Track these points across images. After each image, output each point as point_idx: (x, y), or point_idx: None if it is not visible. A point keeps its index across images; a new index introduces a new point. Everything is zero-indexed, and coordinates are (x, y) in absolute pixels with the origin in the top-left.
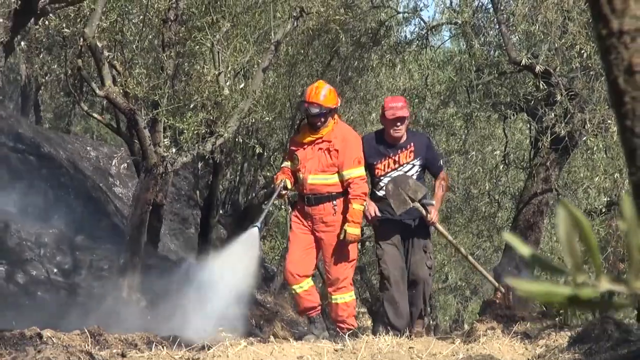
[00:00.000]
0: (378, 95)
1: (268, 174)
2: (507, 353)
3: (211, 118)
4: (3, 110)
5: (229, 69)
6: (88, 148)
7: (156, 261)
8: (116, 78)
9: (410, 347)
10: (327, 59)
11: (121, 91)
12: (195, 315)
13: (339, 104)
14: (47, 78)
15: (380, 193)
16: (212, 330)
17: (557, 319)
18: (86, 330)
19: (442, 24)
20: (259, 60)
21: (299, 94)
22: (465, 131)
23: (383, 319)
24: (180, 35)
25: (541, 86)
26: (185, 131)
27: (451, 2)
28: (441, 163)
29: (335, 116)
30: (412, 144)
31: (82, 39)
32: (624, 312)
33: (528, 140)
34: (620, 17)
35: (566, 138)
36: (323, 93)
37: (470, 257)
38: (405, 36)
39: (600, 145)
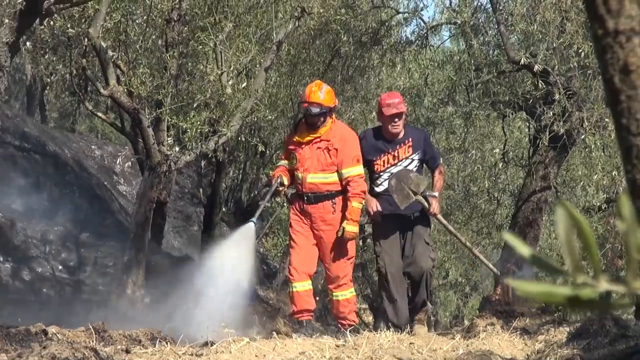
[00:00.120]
0: (378, 95)
1: (270, 172)
2: (507, 348)
3: (214, 117)
4: (9, 110)
5: (232, 68)
6: (93, 147)
7: (160, 258)
8: (120, 78)
9: (411, 343)
10: (328, 58)
11: (125, 90)
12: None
13: (337, 104)
14: (52, 78)
15: (379, 189)
16: (213, 326)
17: (555, 314)
18: (91, 327)
19: (441, 24)
20: (261, 60)
21: (301, 93)
22: (465, 129)
23: (384, 315)
24: (184, 35)
25: (540, 85)
26: (188, 130)
27: (451, 3)
28: (439, 159)
29: (333, 115)
30: (410, 139)
31: (86, 39)
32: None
33: (527, 139)
34: (615, 17)
35: (564, 136)
36: (322, 92)
37: (471, 246)
38: (406, 36)
39: (598, 143)
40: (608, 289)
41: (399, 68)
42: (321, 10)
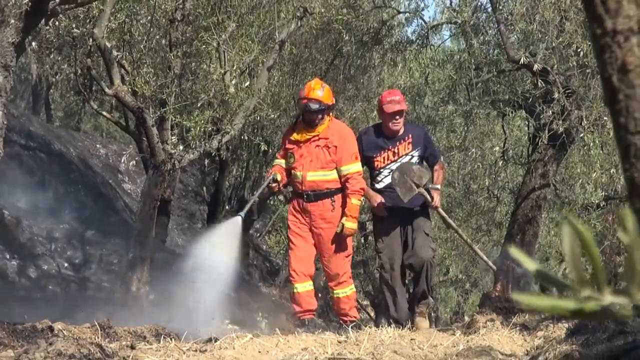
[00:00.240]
0: (380, 93)
1: (269, 170)
2: (506, 344)
3: (217, 116)
4: (15, 109)
5: (235, 68)
6: (97, 145)
7: (164, 256)
8: (125, 77)
9: (412, 339)
10: (330, 57)
11: (130, 90)
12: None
13: (335, 103)
14: (57, 77)
15: (380, 185)
16: (197, 315)
17: None
18: (96, 323)
19: (442, 24)
20: (264, 60)
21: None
22: (465, 128)
23: (385, 312)
24: (187, 35)
25: (539, 84)
26: (192, 129)
27: (451, 2)
28: (439, 156)
29: (331, 114)
30: (410, 136)
31: (91, 39)
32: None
33: (526, 137)
34: (613, 17)
35: (563, 134)
36: (321, 90)
37: (471, 242)
38: (407, 35)
39: (597, 142)
40: (612, 302)
41: (400, 67)
42: (323, 10)
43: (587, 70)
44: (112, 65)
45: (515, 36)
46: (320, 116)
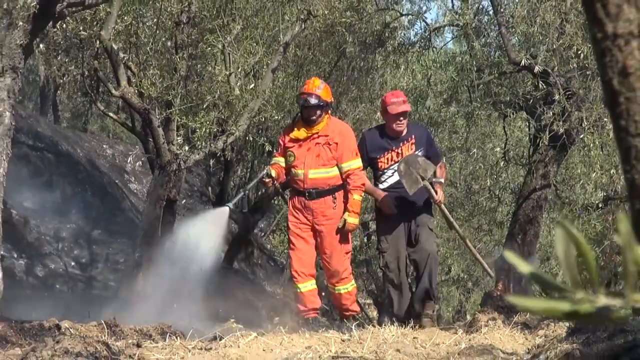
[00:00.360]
0: (382, 95)
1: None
2: (508, 343)
3: (222, 117)
4: (23, 110)
5: (240, 69)
6: (104, 146)
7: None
8: (131, 79)
9: (414, 337)
10: (334, 59)
11: (136, 91)
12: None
13: (333, 101)
14: (64, 79)
15: (384, 186)
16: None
17: None
18: (103, 322)
19: (444, 26)
20: (268, 61)
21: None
22: (467, 129)
23: (388, 310)
24: (193, 37)
25: (540, 86)
26: (197, 130)
27: (453, 5)
28: (441, 156)
29: (329, 112)
30: (413, 136)
31: (98, 42)
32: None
33: (527, 138)
34: (614, 21)
35: (564, 135)
36: (320, 86)
37: (468, 241)
38: (409, 38)
39: (597, 142)
40: (606, 304)
41: (402, 69)
42: (326, 13)
43: (587, 72)
44: (118, 67)
45: (517, 38)
46: (318, 112)
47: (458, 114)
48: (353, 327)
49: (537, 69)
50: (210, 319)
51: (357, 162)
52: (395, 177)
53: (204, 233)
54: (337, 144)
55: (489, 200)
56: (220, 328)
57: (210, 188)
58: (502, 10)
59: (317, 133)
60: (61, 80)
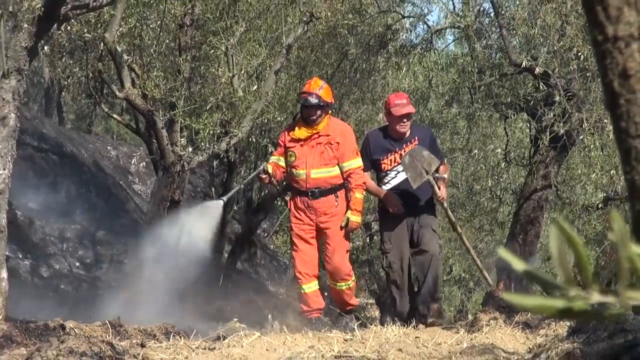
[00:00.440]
0: (384, 96)
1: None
2: (509, 342)
3: (226, 118)
4: (27, 112)
5: (243, 71)
6: (108, 147)
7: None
8: (135, 81)
9: (416, 337)
10: (336, 61)
11: (140, 93)
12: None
13: (333, 102)
14: (69, 81)
15: (386, 187)
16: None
17: None
18: (107, 322)
19: (445, 28)
20: (271, 63)
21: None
22: (468, 130)
23: (390, 310)
24: (196, 39)
25: (540, 87)
26: (201, 131)
27: (454, 7)
28: (443, 158)
29: (329, 112)
30: (416, 138)
31: (102, 44)
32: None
33: (528, 139)
34: (614, 24)
35: (564, 136)
36: (321, 86)
37: (466, 241)
38: (411, 40)
39: (597, 143)
40: (600, 301)
41: (404, 71)
42: (329, 15)
43: (588, 74)
44: (122, 68)
45: (517, 40)
46: (318, 112)
47: (459, 115)
48: (355, 327)
49: (537, 70)
50: (214, 318)
51: (358, 162)
52: (399, 179)
53: (197, 224)
54: (338, 143)
55: (490, 201)
56: (224, 328)
57: (213, 189)
58: (503, 12)
59: (318, 133)
60: (66, 82)
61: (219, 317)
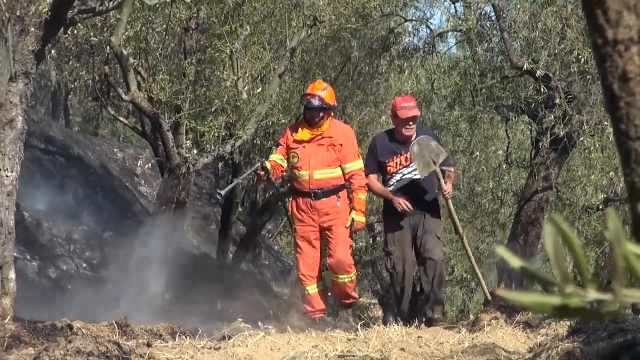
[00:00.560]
0: (387, 99)
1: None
2: (510, 341)
3: (230, 121)
4: (35, 115)
5: (247, 74)
6: (115, 149)
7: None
8: (141, 84)
9: (418, 337)
10: (340, 64)
11: (146, 96)
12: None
13: (336, 105)
14: (76, 84)
15: (391, 190)
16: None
17: None
18: (114, 322)
19: (447, 32)
20: (275, 66)
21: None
22: (470, 132)
23: (393, 310)
24: (201, 43)
25: (541, 89)
26: (206, 133)
27: (456, 11)
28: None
29: (331, 114)
30: None
31: (108, 47)
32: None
33: (529, 141)
34: (614, 27)
35: (565, 138)
36: (324, 88)
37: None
38: (413, 43)
39: (597, 145)
40: (596, 298)
41: (407, 74)
42: (333, 19)
43: (588, 77)
44: (128, 72)
45: (518, 43)
46: (321, 114)
47: (461, 118)
48: (359, 327)
49: (538, 73)
50: (219, 318)
51: (360, 163)
52: (404, 181)
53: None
54: (341, 145)
55: (491, 202)
56: (229, 328)
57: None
58: (504, 15)
59: (321, 134)
60: (72, 85)
61: (224, 317)
